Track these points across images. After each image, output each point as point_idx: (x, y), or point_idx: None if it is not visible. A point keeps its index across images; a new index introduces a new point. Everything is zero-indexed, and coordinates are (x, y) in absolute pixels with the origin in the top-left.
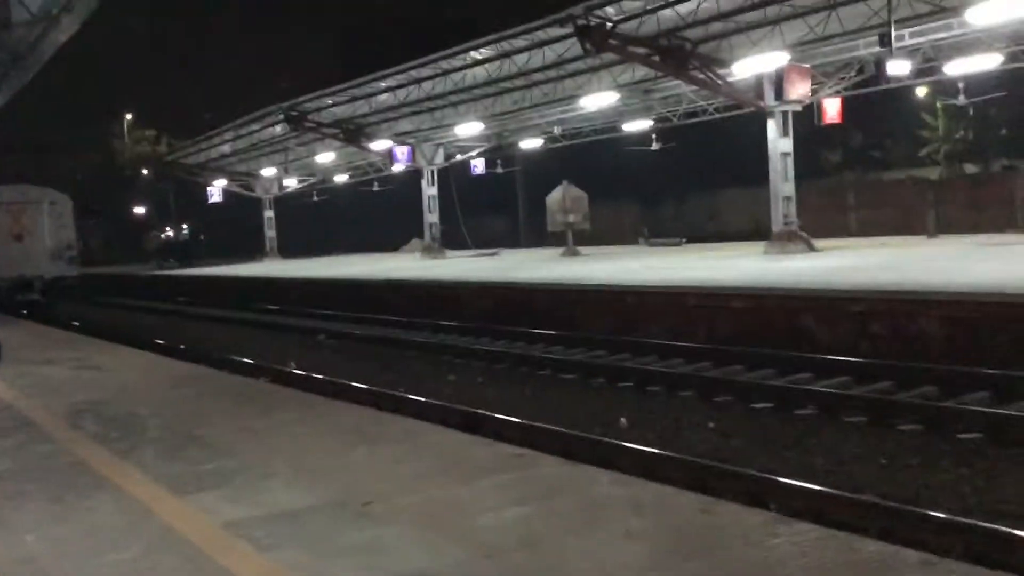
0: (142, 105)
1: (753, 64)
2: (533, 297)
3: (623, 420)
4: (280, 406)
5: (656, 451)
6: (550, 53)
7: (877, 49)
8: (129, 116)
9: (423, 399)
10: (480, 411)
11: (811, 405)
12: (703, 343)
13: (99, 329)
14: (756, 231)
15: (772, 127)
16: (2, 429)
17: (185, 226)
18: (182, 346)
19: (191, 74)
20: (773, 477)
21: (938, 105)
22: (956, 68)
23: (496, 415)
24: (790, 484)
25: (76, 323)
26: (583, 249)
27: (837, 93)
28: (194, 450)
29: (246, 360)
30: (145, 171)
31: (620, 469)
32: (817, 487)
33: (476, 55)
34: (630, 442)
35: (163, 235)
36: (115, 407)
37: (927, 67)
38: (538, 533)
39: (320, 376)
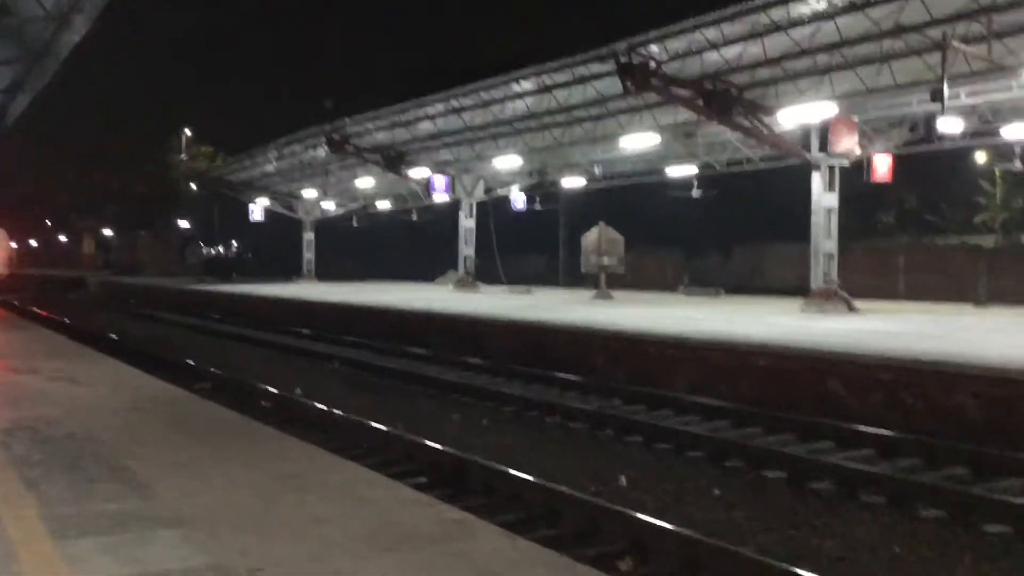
0: (203, 121)
1: (799, 113)
2: (554, 338)
3: (623, 479)
4: (229, 440)
5: (643, 517)
6: (591, 90)
7: (929, 106)
8: (188, 132)
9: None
10: (465, 456)
11: (828, 479)
12: (722, 400)
13: (108, 341)
14: (801, 287)
15: (817, 180)
16: None
17: (234, 243)
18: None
19: (250, 91)
20: (768, 561)
21: (996, 171)
22: (1013, 132)
23: (481, 461)
24: (783, 569)
25: (91, 333)
26: (618, 293)
27: (888, 150)
28: (109, 484)
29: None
30: (194, 186)
31: (604, 533)
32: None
33: (516, 87)
34: (621, 505)
35: (207, 251)
36: (60, 426)
37: (984, 129)
38: None
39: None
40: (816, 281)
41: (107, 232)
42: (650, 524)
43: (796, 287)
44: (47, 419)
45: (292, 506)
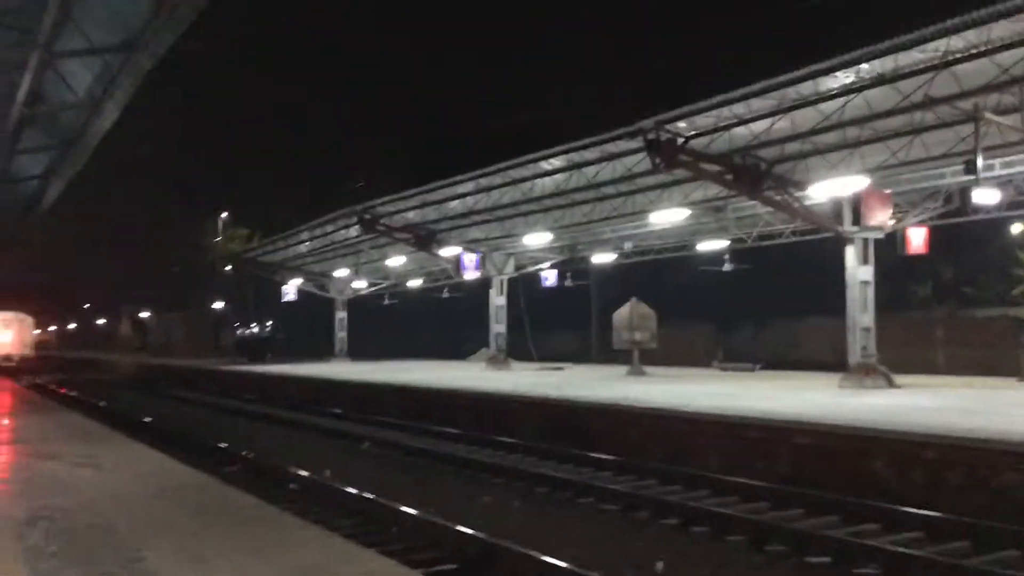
0: (238, 204)
1: (830, 187)
2: (586, 416)
3: (659, 565)
4: (249, 529)
5: None
6: (620, 166)
7: (964, 178)
8: (225, 214)
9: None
10: (495, 541)
11: (872, 564)
12: (761, 480)
13: (136, 423)
14: (838, 362)
15: (850, 254)
16: None
17: (270, 323)
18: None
19: (284, 175)
20: None
21: None
22: None
23: (512, 546)
24: None
25: (118, 415)
26: (651, 369)
27: (922, 222)
28: None
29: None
30: (228, 267)
31: None
32: None
33: (546, 165)
34: None
35: (241, 331)
36: (79, 515)
37: (1021, 200)
38: None
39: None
40: (853, 356)
41: (144, 314)
42: None
43: (833, 362)
44: (66, 508)
45: None
